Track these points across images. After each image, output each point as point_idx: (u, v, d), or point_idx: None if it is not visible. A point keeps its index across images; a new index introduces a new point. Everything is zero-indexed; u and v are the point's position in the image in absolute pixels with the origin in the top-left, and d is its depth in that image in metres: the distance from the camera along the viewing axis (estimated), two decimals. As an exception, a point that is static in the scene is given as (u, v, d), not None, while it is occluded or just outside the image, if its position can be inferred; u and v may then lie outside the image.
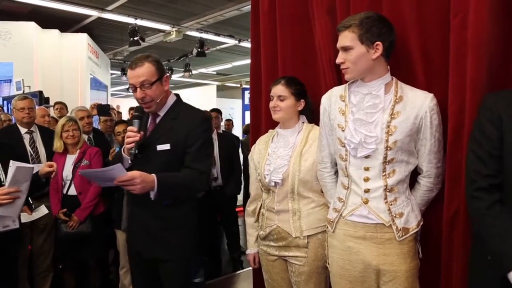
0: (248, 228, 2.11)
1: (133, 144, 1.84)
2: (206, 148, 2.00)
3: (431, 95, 1.50)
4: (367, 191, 1.54)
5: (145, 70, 1.87)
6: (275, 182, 1.88)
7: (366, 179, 1.54)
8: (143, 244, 1.98)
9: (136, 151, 1.84)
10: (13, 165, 1.89)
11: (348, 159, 1.57)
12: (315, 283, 1.86)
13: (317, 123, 1.98)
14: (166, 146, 1.90)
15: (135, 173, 1.73)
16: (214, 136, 4.15)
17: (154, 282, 2.04)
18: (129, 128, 1.89)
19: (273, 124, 2.07)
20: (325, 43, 1.97)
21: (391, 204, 1.52)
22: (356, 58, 1.49)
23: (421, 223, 1.58)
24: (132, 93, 2.00)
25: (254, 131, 2.38)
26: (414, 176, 1.61)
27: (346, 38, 1.49)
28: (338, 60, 1.55)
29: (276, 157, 1.91)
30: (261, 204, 2.02)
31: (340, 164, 1.63)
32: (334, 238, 1.65)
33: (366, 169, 1.54)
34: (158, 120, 1.99)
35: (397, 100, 1.51)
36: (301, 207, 1.86)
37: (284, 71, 2.15)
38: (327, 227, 1.71)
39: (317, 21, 2.02)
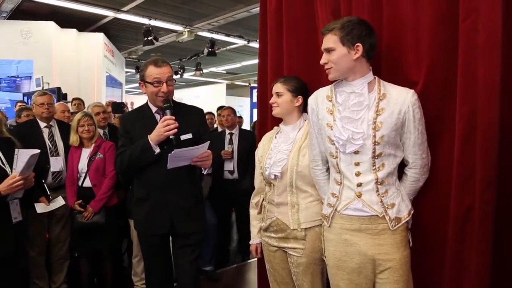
0: (252, 220, 2.13)
1: (175, 130, 2.01)
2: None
3: (412, 90, 1.53)
4: (359, 185, 1.56)
5: (170, 69, 2.13)
6: (274, 175, 1.89)
7: (358, 174, 1.56)
8: (179, 221, 2.15)
9: (180, 138, 2.03)
10: (22, 153, 1.97)
11: (339, 156, 1.59)
12: (312, 274, 1.87)
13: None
14: (189, 136, 2.12)
15: (209, 150, 2.03)
16: (235, 132, 4.20)
17: (168, 257, 2.30)
18: (168, 117, 2.03)
19: (279, 121, 2.07)
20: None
21: (382, 196, 1.54)
22: (338, 59, 1.53)
23: (412, 212, 1.60)
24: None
25: (261, 128, 2.39)
26: (401, 169, 1.62)
27: (329, 40, 1.54)
28: (322, 61, 1.60)
29: (277, 151, 1.93)
30: (264, 197, 2.04)
31: (331, 161, 1.65)
32: (330, 232, 1.66)
33: (357, 164, 1.56)
34: (164, 113, 2.11)
35: (380, 98, 1.53)
36: (300, 201, 1.87)
37: (289, 71, 2.16)
38: (323, 221, 1.72)
39: (321, 22, 2.02)
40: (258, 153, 2.06)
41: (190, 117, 2.21)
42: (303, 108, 1.96)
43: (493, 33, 1.37)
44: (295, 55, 2.17)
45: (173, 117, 2.03)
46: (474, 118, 1.44)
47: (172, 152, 1.90)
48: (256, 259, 2.37)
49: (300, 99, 1.93)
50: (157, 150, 2.04)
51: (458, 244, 1.52)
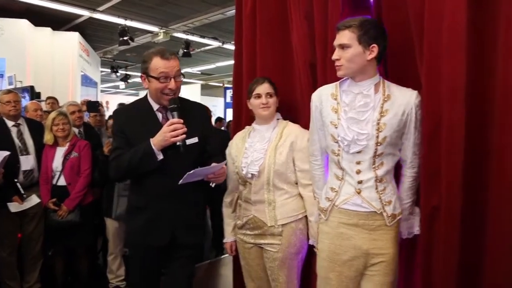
0: (225, 218, 2.10)
1: (184, 136, 1.72)
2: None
3: (416, 92, 1.51)
4: (360, 182, 1.54)
5: (178, 62, 1.80)
6: (251, 174, 1.87)
7: (358, 172, 1.54)
8: (181, 232, 1.86)
9: (186, 142, 1.75)
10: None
11: (341, 154, 1.57)
12: (288, 269, 1.87)
13: (291, 120, 1.98)
14: (195, 140, 1.82)
15: (225, 167, 1.79)
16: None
17: (159, 270, 2.00)
18: (175, 120, 1.73)
19: (253, 121, 2.04)
20: (301, 45, 1.96)
21: (381, 193, 1.54)
22: (352, 56, 1.48)
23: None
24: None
25: (236, 127, 2.35)
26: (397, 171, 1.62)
27: (345, 36, 1.48)
28: (334, 57, 1.53)
29: (252, 150, 1.91)
30: (238, 196, 2.01)
31: (333, 158, 1.62)
32: (327, 225, 1.64)
33: (358, 162, 1.54)
34: (170, 114, 1.82)
35: (385, 99, 1.51)
36: (276, 198, 1.86)
37: (262, 72, 2.13)
38: (320, 215, 1.69)
39: (294, 25, 2.01)
40: (232, 152, 2.02)
41: (195, 117, 1.89)
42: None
43: (457, 34, 1.37)
44: (269, 57, 2.15)
45: (181, 121, 1.73)
46: (438, 117, 1.44)
47: (192, 171, 1.64)
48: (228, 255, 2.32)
49: (278, 99, 1.94)
50: (160, 157, 1.74)
51: (427, 241, 1.53)
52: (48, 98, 5.04)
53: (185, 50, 8.49)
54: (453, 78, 1.38)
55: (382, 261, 1.54)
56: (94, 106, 4.12)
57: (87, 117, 4.40)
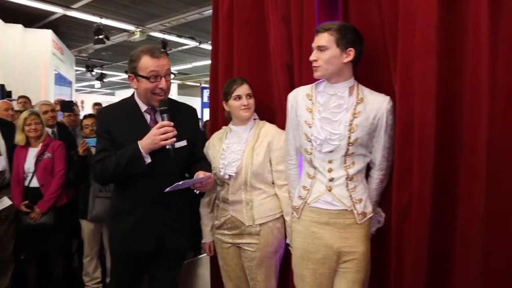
0: (203, 219, 2.08)
1: (174, 139, 1.66)
2: None
3: (388, 98, 1.55)
4: (331, 180, 1.57)
5: (168, 61, 1.73)
6: (229, 175, 1.86)
7: (330, 170, 1.57)
8: (169, 236, 1.79)
9: (174, 146, 1.68)
10: None
11: (314, 153, 1.60)
12: (266, 267, 1.87)
13: (268, 121, 1.98)
14: (184, 143, 1.76)
15: (212, 175, 1.73)
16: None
17: (142, 274, 1.94)
18: (165, 123, 1.66)
19: (229, 122, 2.03)
20: (278, 47, 1.96)
21: (352, 191, 1.57)
22: (330, 58, 1.52)
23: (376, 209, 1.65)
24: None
25: (212, 127, 2.33)
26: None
27: (324, 39, 1.52)
28: (312, 58, 1.57)
29: (230, 152, 1.90)
30: (216, 196, 2.00)
31: (306, 157, 1.65)
32: (299, 224, 1.66)
33: (330, 161, 1.57)
34: (160, 116, 1.75)
35: (358, 101, 1.55)
36: (253, 198, 1.86)
37: (239, 73, 2.12)
38: (293, 213, 1.70)
39: (271, 26, 2.01)
40: (209, 153, 2.00)
41: (184, 119, 1.82)
42: None
43: (428, 35, 1.40)
44: (245, 58, 2.14)
45: (172, 123, 1.66)
46: (411, 116, 1.48)
47: (181, 182, 1.60)
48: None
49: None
50: (148, 160, 1.67)
51: (399, 238, 1.56)
52: (20, 97, 4.87)
53: (162, 50, 8.38)
54: (425, 78, 1.42)
55: (354, 258, 1.57)
56: (68, 106, 4.03)
57: (61, 117, 4.28)
